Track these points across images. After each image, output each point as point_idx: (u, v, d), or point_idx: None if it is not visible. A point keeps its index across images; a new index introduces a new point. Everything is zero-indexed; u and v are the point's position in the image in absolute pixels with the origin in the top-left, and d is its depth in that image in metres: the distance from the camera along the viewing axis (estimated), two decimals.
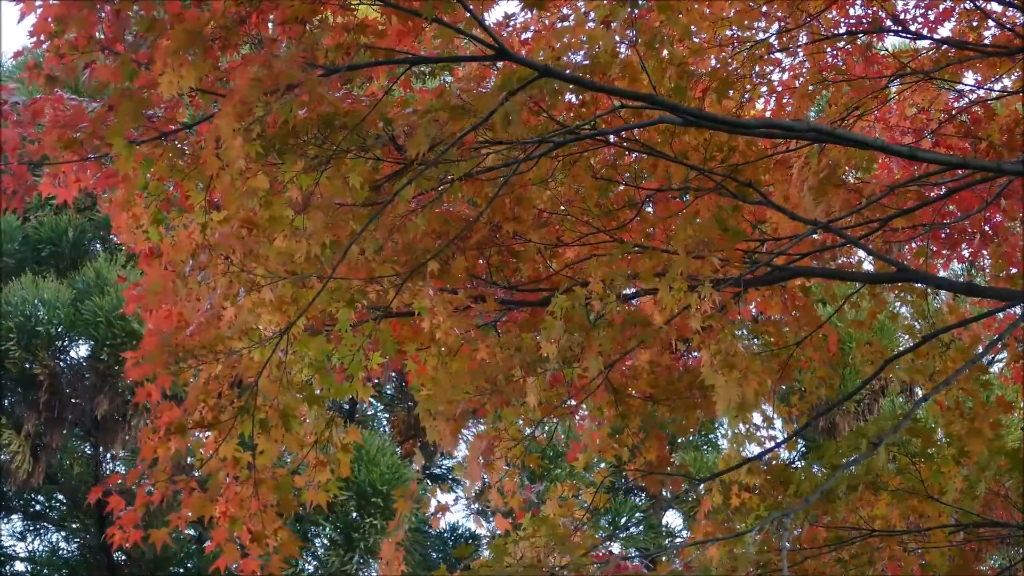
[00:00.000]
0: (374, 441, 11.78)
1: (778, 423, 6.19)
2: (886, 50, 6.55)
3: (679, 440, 11.95)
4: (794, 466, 5.39)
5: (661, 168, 5.25)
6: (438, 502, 5.49)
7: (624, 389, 5.20)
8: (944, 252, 6.30)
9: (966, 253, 6.39)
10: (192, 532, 12.02)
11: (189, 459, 4.91)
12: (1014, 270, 5.95)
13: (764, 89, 6.13)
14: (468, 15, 4.40)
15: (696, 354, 5.74)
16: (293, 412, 4.54)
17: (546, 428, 5.38)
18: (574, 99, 5.11)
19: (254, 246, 4.35)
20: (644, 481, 5.35)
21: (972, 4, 6.02)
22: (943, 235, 6.21)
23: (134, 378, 4.68)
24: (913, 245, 6.19)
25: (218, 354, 4.49)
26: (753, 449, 5.14)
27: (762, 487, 4.94)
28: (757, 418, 5.45)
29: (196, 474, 4.73)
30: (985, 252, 6.16)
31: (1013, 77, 6.23)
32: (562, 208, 5.30)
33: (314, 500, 4.82)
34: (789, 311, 5.70)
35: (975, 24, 6.08)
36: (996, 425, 4.98)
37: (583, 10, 4.83)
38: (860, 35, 6.06)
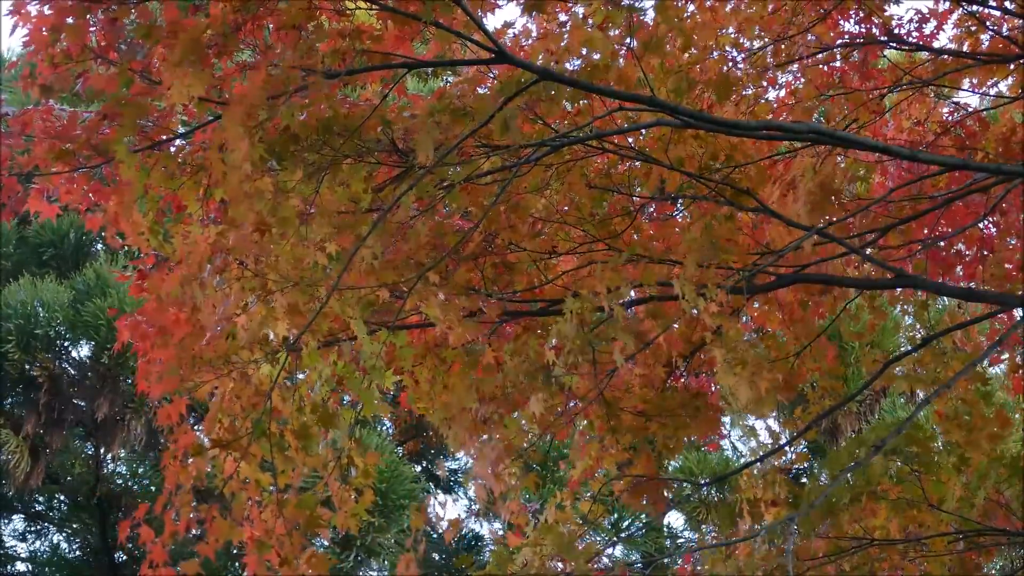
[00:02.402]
0: (374, 440, 11.77)
1: (784, 438, 6.17)
2: (885, 58, 6.53)
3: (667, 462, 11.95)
4: (799, 469, 5.38)
5: (655, 176, 5.22)
6: (450, 520, 5.46)
7: (616, 404, 5.18)
8: (940, 272, 6.28)
9: (960, 273, 6.38)
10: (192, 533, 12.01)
11: (209, 476, 4.84)
12: (1011, 284, 5.94)
13: (763, 103, 6.11)
14: (467, 18, 4.37)
15: (682, 374, 5.73)
16: (311, 432, 4.49)
17: (548, 437, 5.35)
18: (569, 107, 5.09)
19: (268, 250, 4.32)
20: (628, 502, 5.33)
21: (968, 12, 6.00)
22: (940, 254, 6.20)
23: (156, 395, 4.64)
24: (910, 265, 6.16)
25: (233, 365, 4.46)
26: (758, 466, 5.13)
27: (782, 498, 4.92)
28: (764, 436, 5.45)
29: (217, 501, 4.66)
30: (981, 268, 6.15)
31: (1009, 82, 6.22)
32: (557, 217, 5.28)
33: (345, 526, 4.78)
34: (787, 324, 5.69)
35: (972, 30, 6.07)
36: (994, 437, 4.97)
37: (581, 15, 4.81)
38: (855, 49, 6.05)
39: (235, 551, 4.75)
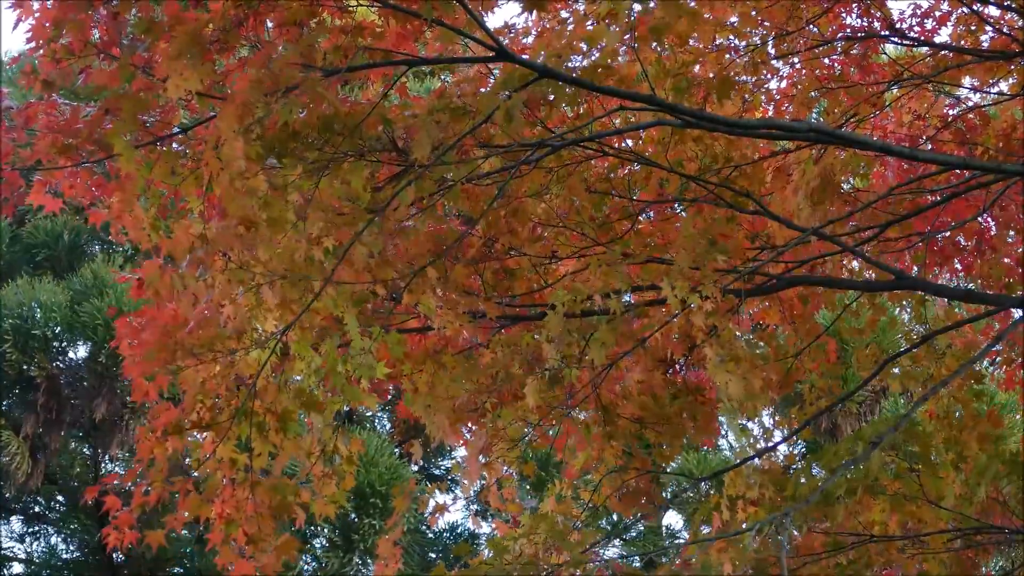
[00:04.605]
0: (373, 441, 11.77)
1: (777, 435, 6.18)
2: (885, 55, 6.55)
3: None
4: (795, 468, 5.38)
5: (654, 179, 5.23)
6: (436, 501, 5.50)
7: (613, 408, 5.19)
8: (937, 264, 6.29)
9: (958, 267, 6.40)
10: (187, 533, 12.01)
11: (187, 460, 4.88)
12: (1011, 279, 5.95)
13: (763, 98, 6.12)
14: (468, 17, 4.38)
15: (681, 369, 5.74)
16: (291, 416, 4.53)
17: (546, 432, 5.36)
18: (569, 111, 5.09)
19: (253, 245, 4.33)
20: (618, 508, 5.33)
21: (969, 9, 6.02)
22: (936, 247, 6.22)
23: (134, 375, 4.66)
24: (907, 257, 6.18)
25: (217, 353, 4.47)
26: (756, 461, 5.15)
27: (768, 499, 4.92)
28: (757, 430, 5.46)
29: (193, 475, 4.70)
30: (979, 261, 6.17)
31: (1011, 81, 6.24)
32: (557, 221, 5.29)
33: (322, 512, 4.81)
34: (787, 321, 5.70)
35: (973, 28, 6.09)
36: (984, 438, 4.98)
37: (582, 11, 4.82)
38: (856, 43, 6.07)
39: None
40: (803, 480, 4.84)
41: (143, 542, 4.71)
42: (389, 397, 12.71)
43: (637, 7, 4.45)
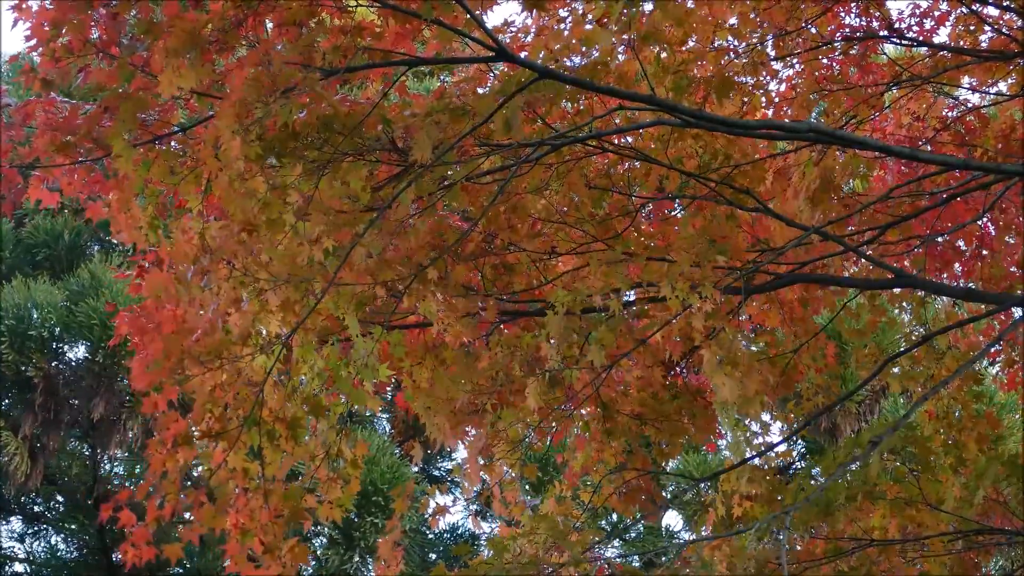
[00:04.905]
0: (374, 441, 11.77)
1: (775, 429, 6.17)
2: (885, 55, 6.54)
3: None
4: (795, 468, 5.37)
5: (654, 176, 5.22)
6: (436, 503, 5.50)
7: (613, 405, 5.18)
8: (937, 268, 6.29)
9: (958, 270, 6.40)
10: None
11: (195, 463, 4.87)
12: (1011, 282, 5.95)
13: (763, 100, 6.11)
14: (467, 16, 4.37)
15: (681, 371, 5.73)
16: (300, 423, 4.51)
17: (547, 438, 5.36)
18: (569, 107, 5.08)
19: (256, 250, 4.32)
20: (619, 508, 5.33)
21: (968, 9, 6.02)
22: (937, 249, 6.22)
23: (141, 387, 4.64)
24: (907, 260, 6.17)
25: (224, 360, 4.46)
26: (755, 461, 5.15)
27: (763, 496, 4.92)
28: (754, 426, 5.46)
29: (204, 485, 4.66)
30: (980, 264, 6.16)
31: (1009, 81, 6.24)
32: (556, 217, 5.28)
33: (329, 516, 4.79)
34: (787, 322, 5.69)
35: (972, 29, 6.09)
36: (983, 439, 4.98)
37: (580, 11, 4.81)
38: (855, 43, 6.06)
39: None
40: (802, 487, 4.83)
41: (161, 557, 4.67)
42: (388, 393, 12.71)
43: (635, 8, 4.44)
